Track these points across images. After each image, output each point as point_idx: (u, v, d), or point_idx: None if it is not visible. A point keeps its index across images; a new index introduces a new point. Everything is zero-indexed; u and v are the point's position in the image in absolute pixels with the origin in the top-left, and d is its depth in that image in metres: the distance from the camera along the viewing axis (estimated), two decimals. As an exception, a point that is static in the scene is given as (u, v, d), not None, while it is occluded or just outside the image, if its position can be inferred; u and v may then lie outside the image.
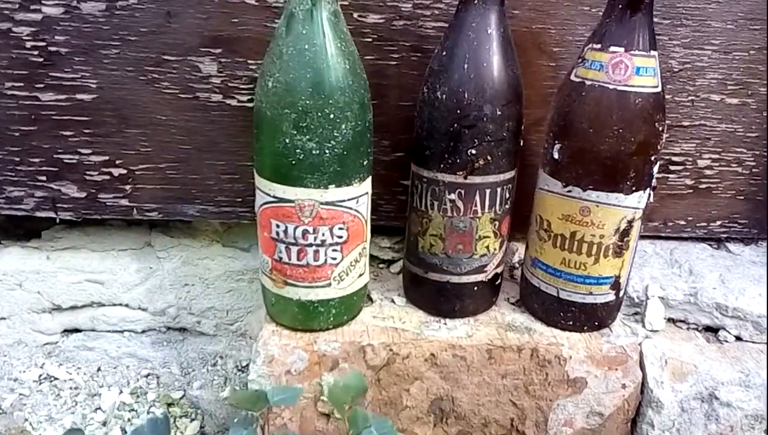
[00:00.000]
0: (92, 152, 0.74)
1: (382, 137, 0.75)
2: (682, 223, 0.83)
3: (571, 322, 0.69)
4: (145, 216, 0.77)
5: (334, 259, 0.64)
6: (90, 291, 0.85)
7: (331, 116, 0.58)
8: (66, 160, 0.74)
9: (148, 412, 0.80)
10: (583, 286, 0.67)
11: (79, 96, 0.71)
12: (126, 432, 0.77)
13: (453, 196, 0.65)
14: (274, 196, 0.61)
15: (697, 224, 0.83)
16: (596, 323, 0.70)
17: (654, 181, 0.65)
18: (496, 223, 0.68)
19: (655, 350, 0.70)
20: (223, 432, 0.78)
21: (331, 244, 0.63)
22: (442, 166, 0.64)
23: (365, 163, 0.62)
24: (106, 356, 0.88)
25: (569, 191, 0.64)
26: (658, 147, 0.63)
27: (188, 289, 0.85)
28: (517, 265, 0.85)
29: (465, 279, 0.69)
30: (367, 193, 0.64)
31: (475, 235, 0.67)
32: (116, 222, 0.84)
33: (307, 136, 0.58)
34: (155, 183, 0.76)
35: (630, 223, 0.65)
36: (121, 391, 0.83)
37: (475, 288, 0.70)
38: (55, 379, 0.84)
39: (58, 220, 0.78)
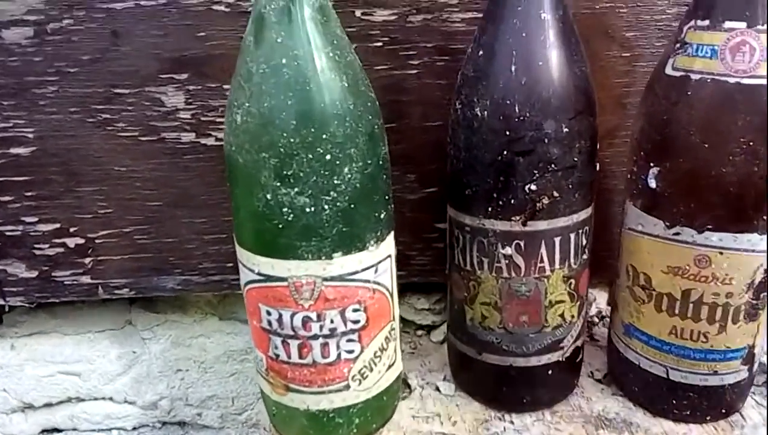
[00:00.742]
0: (39, 220, 0.58)
1: (405, 171, 0.58)
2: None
3: (687, 412, 0.50)
4: (113, 295, 0.61)
5: (351, 352, 0.46)
6: (65, 385, 0.69)
7: (328, 157, 0.40)
8: (8, 233, 0.58)
9: None
10: (704, 364, 0.48)
11: (13, 150, 0.55)
12: None
13: (509, 250, 0.46)
14: (259, 274, 0.44)
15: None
16: (723, 410, 0.50)
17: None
18: (572, 281, 0.49)
19: (811, 443, 0.49)
20: None
21: (344, 334, 0.45)
22: (490, 209, 0.46)
23: (383, 215, 0.44)
24: (91, 461, 0.72)
25: (677, 234, 0.45)
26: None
27: (182, 375, 0.69)
28: (596, 319, 0.65)
29: (534, 361, 0.50)
30: (389, 256, 0.46)
31: (544, 301, 0.48)
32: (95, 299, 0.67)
33: (296, 188, 0.40)
34: (122, 252, 0.59)
35: (768, 271, 0.45)
36: (107, 511, 0.67)
37: (550, 372, 0.51)
38: (27, 497, 0.68)
39: (6, 308, 0.62)
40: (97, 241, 0.58)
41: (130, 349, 0.68)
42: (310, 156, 0.40)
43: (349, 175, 0.41)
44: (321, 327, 0.44)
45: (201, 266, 0.60)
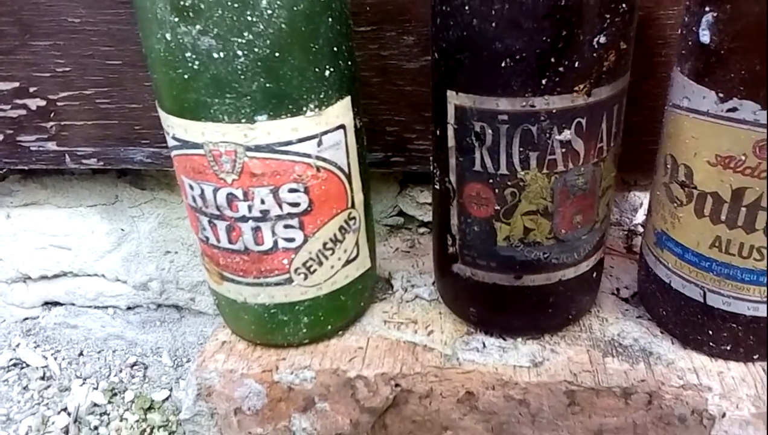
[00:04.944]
0: (-3, 77, 0.52)
1: (402, 31, 0.46)
2: None
3: (728, 346, 0.39)
4: (81, 164, 0.55)
5: (291, 240, 0.37)
6: (57, 258, 0.66)
7: (237, -17, 0.30)
8: (-33, 91, 0.53)
9: (121, 419, 0.62)
10: (754, 289, 0.36)
11: (-42, -4, 0.49)
12: (89, 445, 0.59)
13: (567, 134, 0.35)
14: (175, 138, 0.36)
15: None
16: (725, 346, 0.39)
17: None
18: (617, 157, 0.39)
19: None
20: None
21: (280, 218, 0.37)
22: (545, 82, 0.33)
23: (330, 72, 0.35)
24: (91, 337, 0.70)
25: (733, 111, 0.32)
26: None
27: (171, 257, 0.64)
28: (641, 227, 0.53)
29: (584, 267, 0.40)
30: (342, 126, 0.37)
31: (598, 190, 0.38)
32: (77, 169, 0.63)
33: (198, 26, 0.31)
34: (85, 118, 0.53)
35: None
36: (96, 386, 0.65)
37: (594, 274, 0.42)
38: (26, 365, 0.67)
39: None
40: (58, 103, 0.52)
41: (119, 226, 0.63)
42: (216, -18, 0.30)
43: (270, 12, 0.31)
44: (249, 208, 0.36)
45: (170, 137, 0.53)
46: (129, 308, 0.69)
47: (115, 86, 0.51)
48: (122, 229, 0.64)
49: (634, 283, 0.46)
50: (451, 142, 0.37)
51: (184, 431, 0.45)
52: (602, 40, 0.32)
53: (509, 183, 0.36)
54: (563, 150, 0.35)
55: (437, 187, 0.40)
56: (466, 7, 0.33)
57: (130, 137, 0.53)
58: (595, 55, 0.33)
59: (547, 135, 0.34)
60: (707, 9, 0.32)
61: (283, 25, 0.32)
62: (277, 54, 0.32)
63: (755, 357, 0.39)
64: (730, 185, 0.34)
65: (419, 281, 0.49)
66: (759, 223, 0.34)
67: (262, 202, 0.36)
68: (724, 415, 0.37)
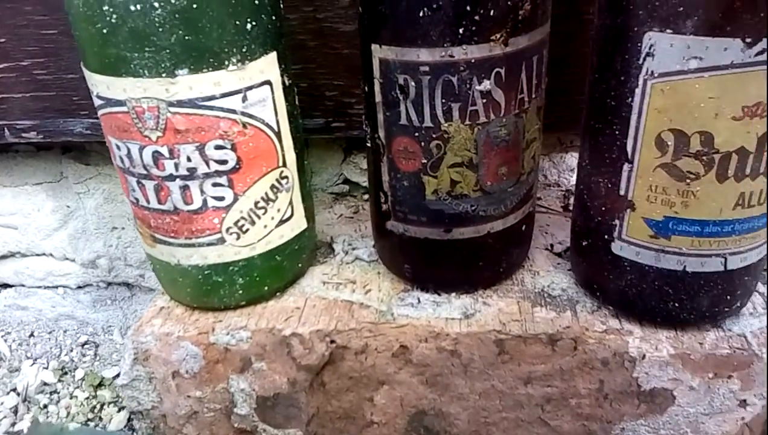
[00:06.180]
0: (-72, 49, 0.51)
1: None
2: None
3: (739, 303, 0.38)
4: (21, 138, 0.55)
5: (221, 199, 0.38)
6: (4, 238, 0.65)
7: (149, -67, 0.30)
8: None
9: (71, 396, 0.61)
10: (763, 232, 0.36)
11: None
12: (39, 422, 0.59)
13: (487, 84, 0.35)
14: (98, 97, 0.36)
15: None
16: (737, 304, 0.38)
17: None
18: (541, 110, 0.39)
19: (808, 340, 0.39)
20: (156, 428, 0.58)
21: (208, 175, 0.37)
22: (462, 31, 0.34)
23: (252, 26, 0.35)
24: (42, 318, 0.69)
25: (761, 52, 0.30)
26: None
27: (118, 233, 0.64)
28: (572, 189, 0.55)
29: (512, 219, 0.41)
30: (269, 82, 0.37)
31: (522, 142, 0.38)
32: (21, 146, 0.62)
33: (114, -22, 0.31)
34: (23, 90, 0.52)
35: None
36: (47, 366, 0.65)
37: (524, 228, 0.42)
38: (-25, 348, 0.67)
39: None
40: (-6, 74, 0.52)
41: (64, 203, 0.63)
42: (129, -67, 0.30)
43: (185, -37, 0.31)
44: (176, 166, 0.36)
45: (110, 108, 0.52)
46: (79, 287, 0.68)
47: (51, 56, 0.51)
48: (68, 206, 0.63)
49: (567, 238, 0.47)
50: (378, 97, 0.38)
51: (124, 397, 0.45)
52: None
53: (434, 135, 0.37)
54: (484, 100, 0.36)
55: (369, 144, 0.41)
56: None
57: (69, 108, 0.53)
58: (509, 3, 0.33)
59: (468, 85, 0.35)
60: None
61: (200, -24, 0.32)
62: (194, 5, 0.32)
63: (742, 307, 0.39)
64: (756, 134, 0.32)
65: (360, 244, 0.49)
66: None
67: (189, 159, 0.36)
68: (644, 357, 0.38)
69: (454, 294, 0.43)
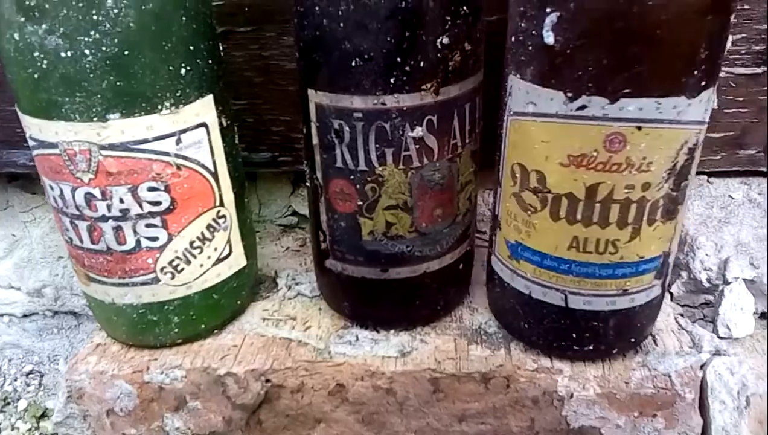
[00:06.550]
0: None
1: (282, 32, 0.47)
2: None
3: (590, 347, 0.40)
4: (-37, 168, 0.54)
5: (155, 239, 0.38)
6: (-53, 266, 0.64)
7: (79, -18, 0.31)
8: None
9: (13, 428, 0.60)
10: (611, 282, 0.38)
11: None
12: (-23, 457, 0.58)
13: (420, 131, 0.36)
14: (32, 138, 0.36)
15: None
16: (632, 339, 0.41)
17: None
18: (476, 153, 0.41)
19: (730, 379, 0.40)
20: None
21: (141, 217, 0.37)
22: (393, 81, 0.35)
23: (186, 71, 0.35)
24: (-14, 347, 0.68)
25: (582, 108, 0.33)
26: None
27: (64, 262, 0.63)
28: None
29: (448, 259, 0.42)
30: (203, 124, 0.37)
31: (456, 185, 0.39)
32: (-34, 174, 0.61)
33: (44, 26, 0.31)
34: (-36, 119, 0.52)
35: (691, 151, 0.35)
36: (-12, 397, 0.63)
37: (461, 266, 0.43)
38: None
39: None
40: (-66, 104, 0.51)
41: (10, 231, 0.62)
42: (58, -19, 0.30)
43: (116, 11, 0.32)
44: (109, 207, 0.36)
45: (54, 140, 0.52)
46: (25, 316, 0.67)
47: (-7, 87, 0.50)
48: (14, 235, 0.62)
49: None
50: (315, 139, 0.38)
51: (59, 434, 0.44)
52: (445, 41, 0.34)
53: (369, 178, 0.38)
54: (417, 146, 0.37)
55: (308, 184, 0.42)
56: (317, 8, 0.34)
57: (12, 140, 0.52)
58: (439, 55, 0.35)
59: (401, 132, 0.36)
60: (550, 10, 0.33)
61: (131, 24, 0.32)
62: (126, 52, 0.32)
63: (614, 352, 0.41)
64: (584, 183, 0.35)
65: (304, 279, 0.50)
66: (612, 217, 0.36)
67: (121, 201, 0.36)
68: (572, 396, 0.39)
69: (392, 331, 0.43)
